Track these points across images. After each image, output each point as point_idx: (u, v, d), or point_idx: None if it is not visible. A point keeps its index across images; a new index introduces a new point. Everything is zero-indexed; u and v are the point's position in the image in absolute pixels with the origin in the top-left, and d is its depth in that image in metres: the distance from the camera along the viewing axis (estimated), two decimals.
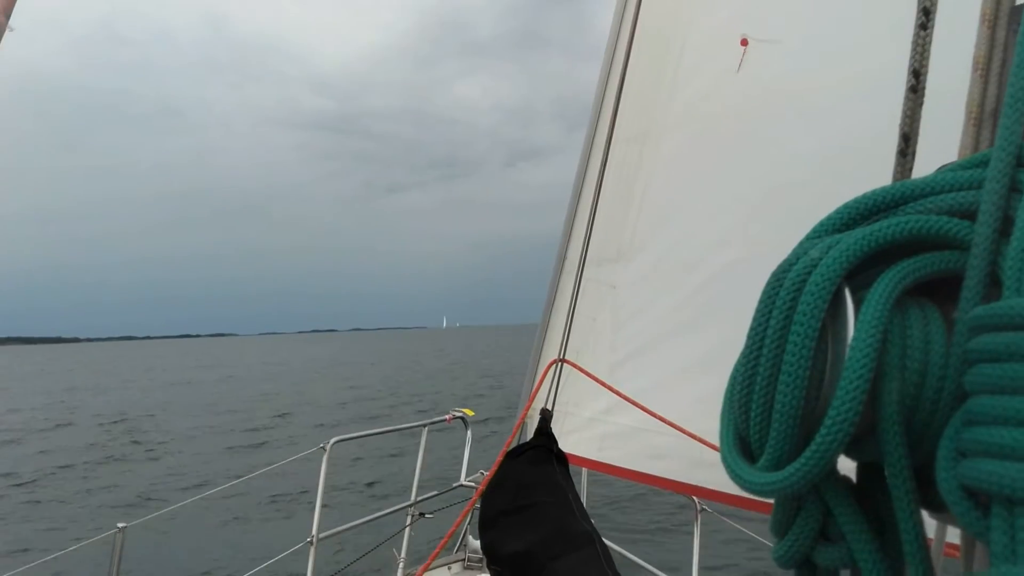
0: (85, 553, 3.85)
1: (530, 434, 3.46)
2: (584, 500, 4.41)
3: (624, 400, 3.51)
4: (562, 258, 3.94)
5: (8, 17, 1.48)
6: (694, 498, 4.58)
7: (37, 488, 16.42)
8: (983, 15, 0.74)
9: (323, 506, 4.39)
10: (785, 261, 0.70)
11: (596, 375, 3.61)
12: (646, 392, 3.51)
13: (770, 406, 0.66)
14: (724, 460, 0.72)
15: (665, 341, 3.62)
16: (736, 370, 0.71)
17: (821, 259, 0.66)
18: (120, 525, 3.90)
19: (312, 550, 4.24)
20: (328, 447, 4.54)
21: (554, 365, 3.71)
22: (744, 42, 3.32)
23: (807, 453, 0.63)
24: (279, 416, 27.49)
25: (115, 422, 28.01)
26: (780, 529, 0.73)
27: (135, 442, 22.83)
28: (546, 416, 3.37)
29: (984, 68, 0.73)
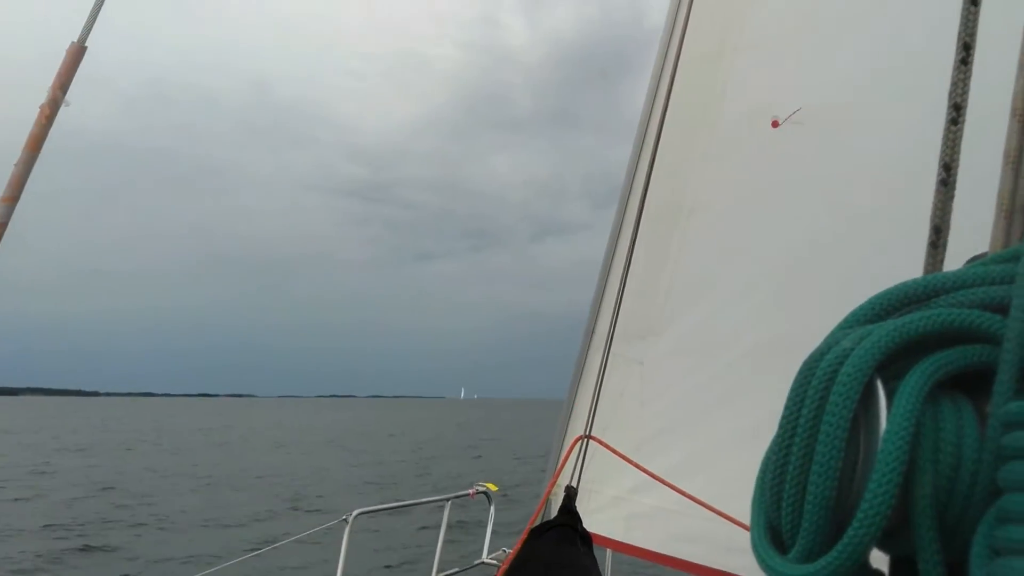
0: None
1: (554, 512, 3.40)
2: None
3: (652, 479, 3.44)
4: (590, 332, 3.92)
5: (64, 92, 1.53)
6: None
7: None
8: (1014, 110, 0.75)
9: None
10: (817, 350, 0.71)
11: (623, 452, 3.55)
12: (674, 471, 3.45)
13: (802, 496, 0.66)
14: (755, 549, 0.71)
15: (694, 419, 3.57)
16: (768, 457, 0.71)
17: (853, 349, 0.66)
18: None
19: None
20: (351, 519, 4.48)
21: (580, 441, 3.65)
22: (775, 123, 3.35)
23: (839, 546, 0.62)
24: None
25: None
26: None
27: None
28: (571, 494, 3.31)
29: (1016, 161, 0.74)
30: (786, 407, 0.69)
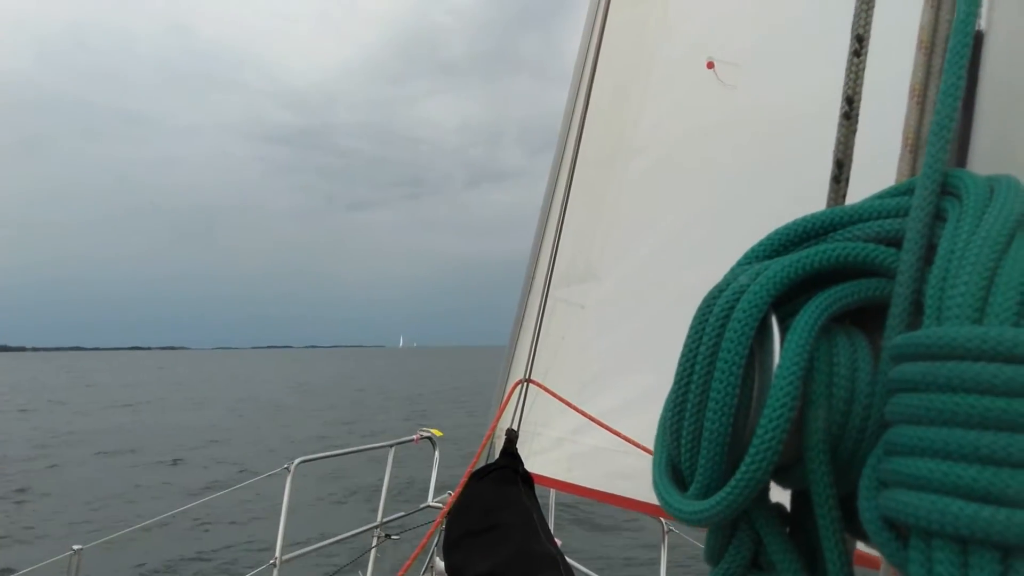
0: None
1: (496, 455, 3.44)
2: (552, 521, 4.39)
3: (591, 421, 3.50)
4: (530, 278, 3.93)
5: None
6: (661, 519, 4.58)
7: None
8: (920, 42, 0.74)
9: (287, 527, 4.32)
10: (716, 287, 0.70)
11: (564, 395, 3.60)
12: (615, 412, 3.51)
13: (699, 433, 0.65)
14: (655, 487, 0.71)
15: (633, 361, 3.63)
16: (669, 396, 0.70)
17: (749, 286, 0.66)
18: (76, 547, 3.80)
19: (276, 572, 4.17)
20: (292, 467, 4.48)
21: (520, 385, 3.69)
22: (710, 64, 3.36)
23: (732, 481, 0.62)
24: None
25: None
26: (714, 557, 0.72)
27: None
28: (512, 437, 3.35)
29: (920, 95, 0.73)
30: (685, 344, 0.69)
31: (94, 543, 3.98)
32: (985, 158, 0.70)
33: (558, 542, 3.07)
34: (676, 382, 0.69)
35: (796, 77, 3.18)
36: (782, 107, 3.22)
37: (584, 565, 4.36)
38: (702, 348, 0.66)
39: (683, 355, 0.68)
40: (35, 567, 3.75)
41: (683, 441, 0.67)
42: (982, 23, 0.71)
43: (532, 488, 3.19)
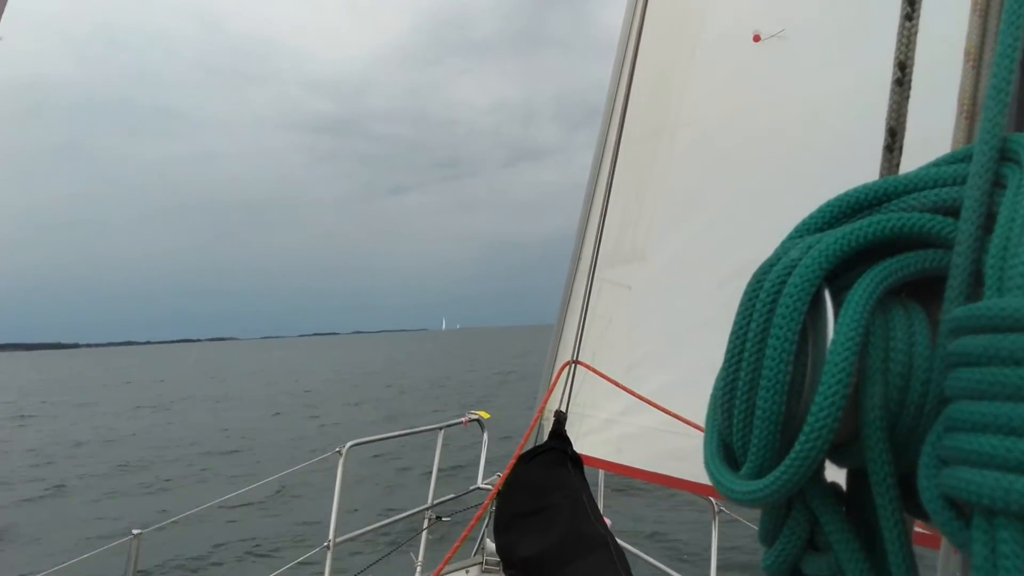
0: (100, 560, 3.83)
1: (545, 436, 3.45)
2: (601, 502, 4.39)
3: (641, 400, 3.49)
4: (576, 259, 3.92)
5: None
6: (712, 500, 4.54)
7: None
8: (974, 4, 0.70)
9: (340, 510, 4.38)
10: (766, 262, 0.68)
11: (612, 376, 3.59)
12: (664, 392, 3.48)
13: (752, 412, 0.64)
14: (707, 467, 0.70)
15: (682, 341, 3.59)
16: (720, 374, 0.69)
17: (801, 259, 0.64)
18: (135, 531, 3.90)
19: (329, 554, 4.23)
20: (344, 451, 4.54)
21: (567, 367, 3.69)
22: (756, 38, 3.30)
23: (787, 461, 0.60)
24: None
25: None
26: (768, 538, 0.71)
27: None
28: (560, 418, 3.35)
29: (976, 59, 0.69)
30: (735, 321, 0.67)
31: (153, 527, 4.07)
32: None
33: (608, 522, 3.07)
34: (727, 359, 0.67)
35: (845, 48, 3.10)
36: (831, 79, 3.14)
37: (633, 546, 4.34)
38: (753, 324, 0.64)
39: (733, 332, 0.67)
40: (96, 551, 3.86)
41: (735, 420, 0.66)
42: None
43: (581, 469, 3.19)
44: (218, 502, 4.62)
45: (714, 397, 0.70)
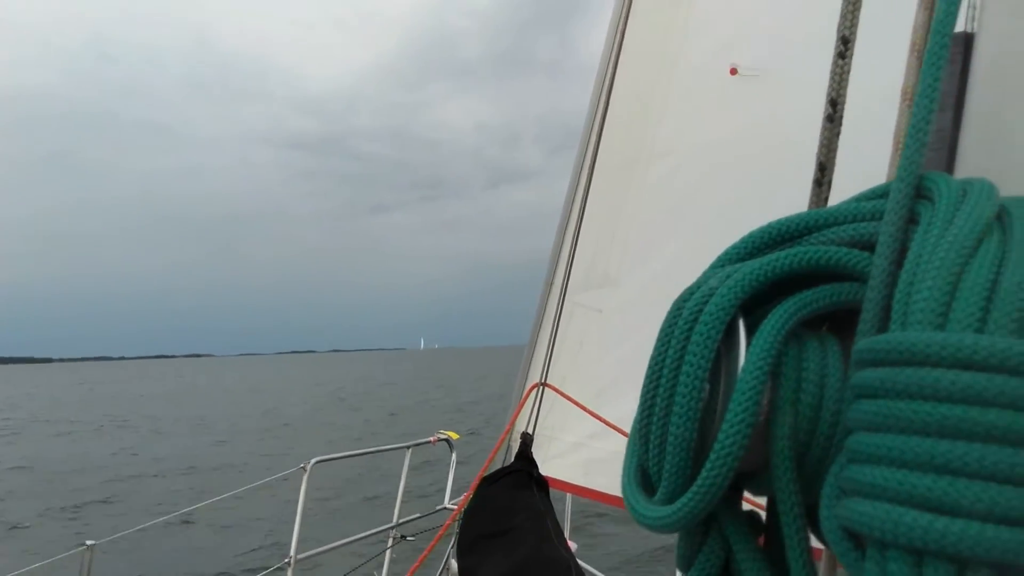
0: (51, 572, 3.76)
1: (512, 458, 3.44)
2: (568, 526, 4.38)
3: (608, 426, 3.49)
4: (549, 282, 3.93)
5: None
6: None
7: None
8: (912, 45, 0.72)
9: (302, 527, 4.34)
10: (687, 289, 0.68)
11: (582, 400, 3.59)
12: (632, 417, 3.49)
13: (665, 437, 0.63)
14: (623, 492, 0.70)
15: None
16: (640, 400, 0.68)
17: (718, 288, 0.64)
18: (89, 542, 3.83)
19: (290, 570, 4.18)
20: (308, 467, 4.50)
21: (535, 389, 3.69)
22: (733, 71, 3.34)
23: (693, 487, 0.60)
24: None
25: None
26: (684, 564, 0.70)
27: None
28: (527, 440, 3.34)
29: (912, 98, 0.71)
30: (655, 347, 0.67)
31: (107, 539, 4.00)
32: (972, 161, 0.69)
33: (572, 546, 3.06)
34: (645, 385, 0.67)
35: (819, 85, 3.14)
36: (804, 114, 3.19)
37: (598, 570, 4.34)
38: (670, 351, 0.65)
39: (652, 358, 0.67)
40: (48, 560, 3.79)
41: (651, 445, 0.65)
42: (973, 25, 0.70)
43: (547, 492, 3.17)
44: (174, 515, 4.56)
45: (634, 422, 0.70)
